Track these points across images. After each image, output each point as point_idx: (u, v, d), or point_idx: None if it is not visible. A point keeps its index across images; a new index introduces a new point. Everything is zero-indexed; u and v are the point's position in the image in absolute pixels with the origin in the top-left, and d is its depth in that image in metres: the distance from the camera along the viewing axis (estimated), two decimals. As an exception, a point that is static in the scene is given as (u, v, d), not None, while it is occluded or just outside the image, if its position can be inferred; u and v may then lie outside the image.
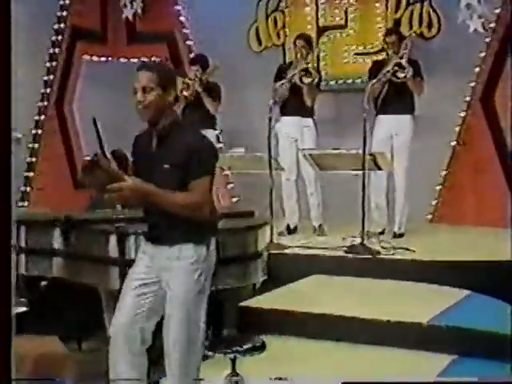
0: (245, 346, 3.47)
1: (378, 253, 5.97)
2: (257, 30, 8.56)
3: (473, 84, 7.55)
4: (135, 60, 8.35)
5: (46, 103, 8.15)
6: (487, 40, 7.44)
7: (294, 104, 6.98)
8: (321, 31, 8.32)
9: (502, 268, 5.46)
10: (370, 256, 5.90)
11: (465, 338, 4.53)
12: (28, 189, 7.76)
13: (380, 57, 7.56)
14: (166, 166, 3.17)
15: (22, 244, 4.51)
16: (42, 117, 8.09)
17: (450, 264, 5.68)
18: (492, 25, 7.40)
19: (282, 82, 6.82)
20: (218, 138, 7.87)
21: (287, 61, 7.89)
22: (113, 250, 4.21)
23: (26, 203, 7.65)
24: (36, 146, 7.95)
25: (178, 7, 8.79)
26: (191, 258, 3.17)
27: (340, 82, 8.26)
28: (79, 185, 3.00)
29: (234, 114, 8.11)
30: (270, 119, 6.50)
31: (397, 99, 6.74)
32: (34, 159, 7.90)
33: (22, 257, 4.54)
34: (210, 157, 3.24)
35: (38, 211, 5.97)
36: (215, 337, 4.30)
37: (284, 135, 7.06)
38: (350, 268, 5.85)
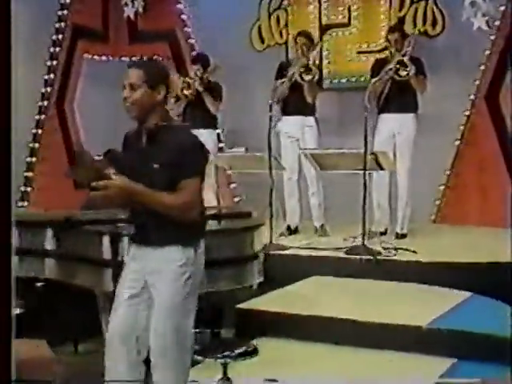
0: (236, 351, 3.40)
1: (379, 254, 5.89)
2: (259, 28, 8.49)
3: (477, 82, 7.47)
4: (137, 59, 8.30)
5: (46, 102, 8.09)
6: (492, 38, 7.37)
7: (295, 103, 6.91)
8: (324, 29, 8.26)
9: (504, 269, 5.37)
10: (370, 257, 5.82)
11: (465, 341, 4.44)
12: (28, 189, 7.70)
13: (383, 55, 7.47)
14: (155, 165, 3.10)
15: (16, 244, 4.47)
16: (43, 116, 8.04)
17: (451, 265, 5.60)
18: (497, 22, 7.33)
19: (283, 80, 6.75)
20: (219, 138, 7.81)
21: (289, 59, 7.82)
22: (106, 251, 4.16)
23: (25, 203, 7.60)
24: (36, 145, 7.90)
25: (180, 5, 8.75)
26: (179, 261, 3.08)
27: (343, 80, 8.21)
28: (79, 184, 2.97)
29: (237, 113, 8.07)
30: (271, 118, 6.42)
31: (399, 97, 6.65)
32: (33, 159, 7.84)
33: (16, 258, 4.49)
34: (200, 157, 3.17)
35: (36, 211, 5.94)
36: (213, 339, 4.25)
37: (285, 134, 6.99)
38: (350, 269, 5.77)
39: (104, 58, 8.75)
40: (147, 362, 3.21)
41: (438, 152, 7.34)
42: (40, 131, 7.99)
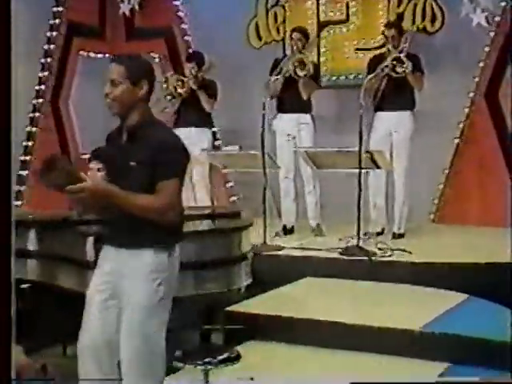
0: (218, 358, 3.30)
1: (374, 254, 5.79)
2: (256, 25, 8.37)
3: (477, 79, 7.36)
4: (133, 57, 8.21)
5: (41, 100, 7.99)
6: (491, 34, 7.26)
7: (290, 100, 6.82)
8: (322, 26, 8.13)
9: (503, 270, 5.25)
10: (365, 258, 5.71)
11: (460, 344, 4.33)
12: (22, 188, 7.61)
13: (381, 52, 7.36)
14: (132, 163, 3.01)
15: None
16: (37, 114, 7.94)
17: (448, 266, 5.50)
18: (496, 18, 7.22)
19: (277, 77, 6.65)
20: (214, 136, 7.72)
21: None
22: (90, 252, 4.07)
23: (19, 202, 7.51)
24: (30, 143, 7.80)
25: (176, 2, 8.64)
26: (151, 266, 2.97)
27: (341, 77, 8.10)
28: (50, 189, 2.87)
29: (234, 111, 7.97)
30: (264, 116, 6.32)
31: (396, 95, 6.54)
32: (28, 157, 7.75)
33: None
34: (180, 158, 3.06)
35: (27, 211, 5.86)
36: (199, 344, 4.14)
37: (281, 132, 6.89)
38: (344, 270, 5.67)
39: (100, 55, 8.64)
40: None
41: (436, 150, 7.25)
42: (34, 129, 7.88)
